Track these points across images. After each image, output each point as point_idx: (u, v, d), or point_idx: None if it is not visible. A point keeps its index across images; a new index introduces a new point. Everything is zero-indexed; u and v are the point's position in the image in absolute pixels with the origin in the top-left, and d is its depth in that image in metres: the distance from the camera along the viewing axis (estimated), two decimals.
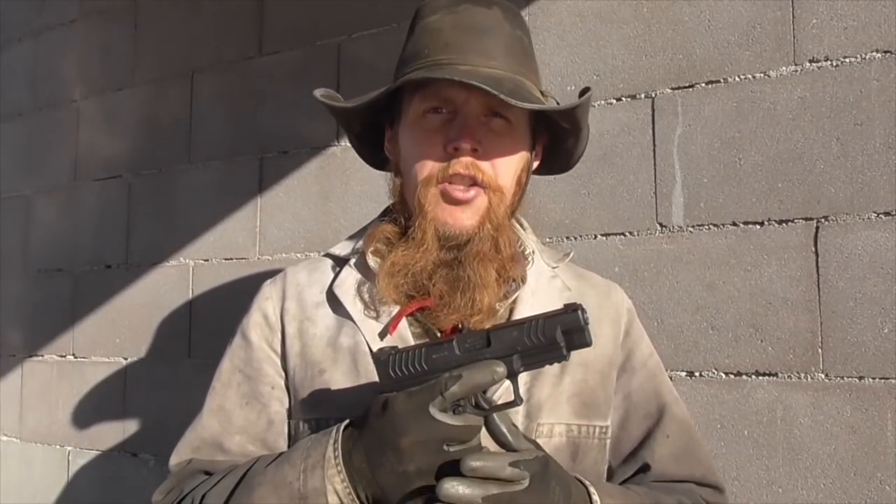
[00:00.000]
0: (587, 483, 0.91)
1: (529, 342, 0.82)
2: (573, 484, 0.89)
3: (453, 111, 1.01)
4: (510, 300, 1.03)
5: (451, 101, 1.00)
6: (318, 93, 1.09)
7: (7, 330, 2.69)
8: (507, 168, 1.02)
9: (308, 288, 1.09)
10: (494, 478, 0.78)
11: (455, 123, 1.00)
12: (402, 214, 1.06)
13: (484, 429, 0.84)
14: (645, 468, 1.06)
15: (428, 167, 1.00)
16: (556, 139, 1.13)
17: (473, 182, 0.99)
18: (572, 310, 0.82)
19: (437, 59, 1.00)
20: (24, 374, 2.61)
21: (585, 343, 0.82)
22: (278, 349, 1.07)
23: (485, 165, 1.00)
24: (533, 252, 1.09)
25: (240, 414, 1.05)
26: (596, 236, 1.63)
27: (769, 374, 1.44)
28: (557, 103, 1.06)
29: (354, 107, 1.06)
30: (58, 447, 2.47)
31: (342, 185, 1.97)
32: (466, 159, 0.98)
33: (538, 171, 1.15)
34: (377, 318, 1.02)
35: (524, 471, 0.79)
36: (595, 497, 0.90)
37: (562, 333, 0.81)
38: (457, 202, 0.99)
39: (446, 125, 1.00)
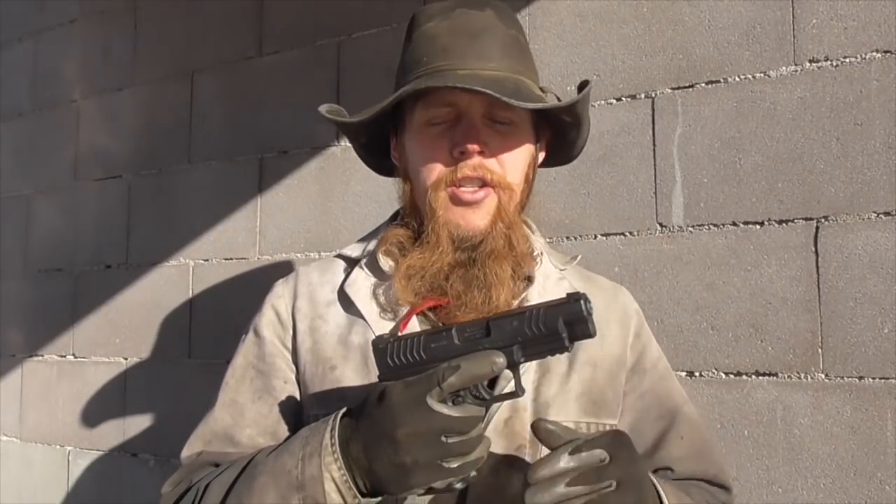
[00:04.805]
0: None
1: (530, 332, 0.80)
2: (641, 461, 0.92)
3: (457, 116, 1.02)
4: (518, 300, 1.04)
5: (455, 105, 1.01)
6: (323, 109, 1.11)
7: (7, 330, 2.69)
8: (514, 165, 1.04)
9: (320, 287, 1.10)
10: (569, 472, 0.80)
11: (460, 127, 1.01)
12: (413, 219, 1.07)
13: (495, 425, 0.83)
14: (663, 470, 1.07)
15: (436, 172, 1.01)
16: (558, 132, 1.14)
17: (483, 183, 1.00)
18: (575, 299, 0.79)
19: (437, 66, 1.01)
20: (24, 374, 2.61)
21: (588, 334, 0.80)
22: (290, 346, 1.08)
23: (492, 165, 1.01)
24: (541, 254, 1.10)
25: (252, 408, 1.06)
26: (596, 236, 1.63)
27: (769, 374, 1.44)
28: (558, 98, 1.08)
29: (360, 121, 1.07)
30: (58, 447, 2.47)
31: (342, 185, 1.97)
32: (474, 161, 0.99)
33: (544, 164, 1.17)
34: (388, 316, 1.03)
35: (593, 451, 0.80)
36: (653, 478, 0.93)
37: (564, 324, 0.79)
38: (466, 204, 1.00)
39: (451, 130, 1.01)
